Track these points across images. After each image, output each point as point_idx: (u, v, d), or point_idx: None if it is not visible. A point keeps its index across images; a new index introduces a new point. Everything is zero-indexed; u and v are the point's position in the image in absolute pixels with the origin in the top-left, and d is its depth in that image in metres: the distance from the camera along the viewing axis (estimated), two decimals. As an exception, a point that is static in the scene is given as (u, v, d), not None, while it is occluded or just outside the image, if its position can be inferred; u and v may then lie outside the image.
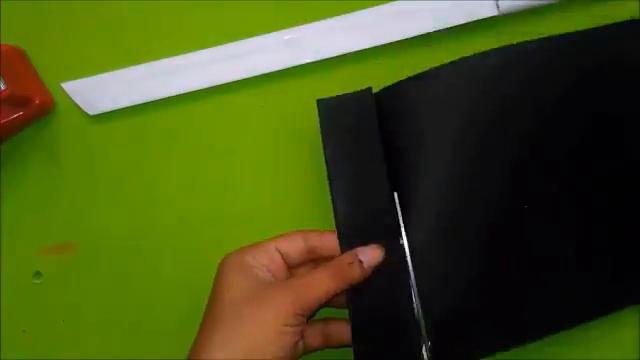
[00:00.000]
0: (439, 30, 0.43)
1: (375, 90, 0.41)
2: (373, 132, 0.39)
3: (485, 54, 0.41)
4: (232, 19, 0.45)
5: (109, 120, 0.46)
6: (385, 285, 0.38)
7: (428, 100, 0.41)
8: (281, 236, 0.39)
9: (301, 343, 0.39)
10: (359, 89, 0.40)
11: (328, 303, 0.39)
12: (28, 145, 0.46)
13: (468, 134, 0.41)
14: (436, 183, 0.40)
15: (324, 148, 0.40)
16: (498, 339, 0.40)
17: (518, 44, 0.41)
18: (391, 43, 0.44)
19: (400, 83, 0.41)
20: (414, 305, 0.38)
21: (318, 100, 0.40)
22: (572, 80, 0.41)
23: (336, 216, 0.39)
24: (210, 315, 0.37)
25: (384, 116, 0.41)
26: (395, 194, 0.39)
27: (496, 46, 0.43)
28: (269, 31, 0.44)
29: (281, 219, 0.44)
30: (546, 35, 0.43)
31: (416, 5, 0.43)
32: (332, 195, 0.39)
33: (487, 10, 0.43)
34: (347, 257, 0.38)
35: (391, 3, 0.43)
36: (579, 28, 0.43)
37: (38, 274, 0.46)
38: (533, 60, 0.41)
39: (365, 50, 0.44)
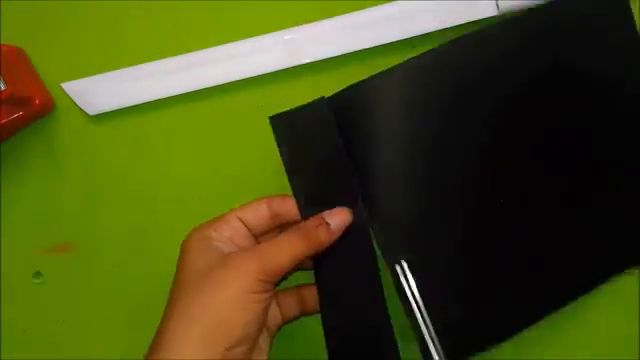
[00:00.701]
0: (439, 30, 0.43)
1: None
2: (331, 136, 0.38)
3: (441, 46, 0.40)
4: (232, 19, 0.45)
5: (109, 120, 0.46)
6: (352, 259, 0.37)
7: (384, 98, 0.40)
8: (244, 205, 0.38)
9: (278, 313, 0.38)
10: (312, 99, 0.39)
11: (297, 267, 0.37)
12: (28, 145, 0.46)
13: (429, 128, 0.40)
14: (403, 184, 0.39)
15: (281, 157, 0.39)
16: (490, 327, 0.40)
17: (472, 32, 0.40)
18: (391, 43, 0.44)
19: (354, 86, 0.40)
20: (380, 284, 0.37)
21: (270, 117, 0.39)
22: (536, 60, 0.41)
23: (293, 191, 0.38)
24: (173, 289, 0.35)
25: (340, 120, 0.39)
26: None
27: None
28: (269, 31, 0.44)
29: (281, 219, 0.44)
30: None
31: (416, 5, 0.43)
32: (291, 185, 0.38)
33: (487, 10, 0.43)
34: (313, 220, 0.36)
35: (391, 3, 0.43)
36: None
37: (38, 274, 0.46)
38: (493, 46, 0.40)
39: (365, 50, 0.44)
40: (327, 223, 0.36)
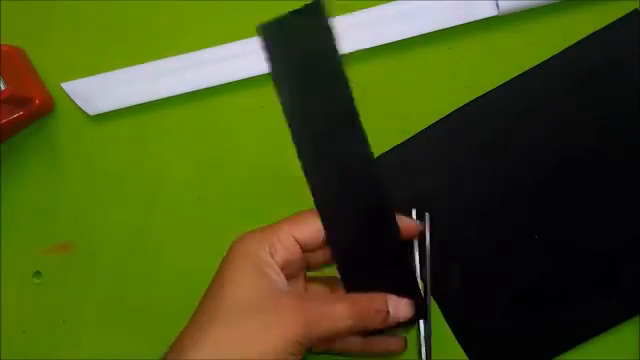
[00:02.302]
0: (439, 30, 0.43)
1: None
2: (330, 45, 0.34)
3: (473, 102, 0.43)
4: (232, 19, 0.45)
5: (109, 120, 0.46)
6: None
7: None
8: (298, 218, 0.35)
9: None
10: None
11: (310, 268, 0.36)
12: (28, 145, 0.46)
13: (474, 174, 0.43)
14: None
15: (274, 79, 0.35)
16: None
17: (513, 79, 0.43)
18: (391, 43, 0.44)
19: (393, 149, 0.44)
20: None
21: (258, 25, 0.34)
22: (576, 99, 0.43)
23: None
24: (206, 310, 0.33)
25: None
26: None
27: (496, 46, 0.44)
28: (269, 31, 0.44)
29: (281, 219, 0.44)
30: (546, 35, 0.43)
31: (416, 5, 0.43)
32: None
33: (487, 10, 0.43)
34: (376, 302, 0.33)
35: (391, 3, 0.43)
36: (579, 28, 0.43)
37: (38, 274, 0.46)
38: (529, 90, 0.43)
39: (365, 50, 0.44)
40: (388, 311, 0.33)
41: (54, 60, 0.46)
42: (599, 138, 0.42)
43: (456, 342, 0.43)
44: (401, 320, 0.34)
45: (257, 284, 0.33)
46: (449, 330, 0.43)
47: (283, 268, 0.34)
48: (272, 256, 0.34)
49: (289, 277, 0.35)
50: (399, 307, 0.34)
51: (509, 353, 0.42)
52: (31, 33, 0.46)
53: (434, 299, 0.43)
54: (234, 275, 0.33)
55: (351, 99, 0.34)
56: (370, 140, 0.44)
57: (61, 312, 0.46)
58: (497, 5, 0.42)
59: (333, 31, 0.33)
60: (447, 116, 0.43)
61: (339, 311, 0.32)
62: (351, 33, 0.44)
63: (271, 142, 0.45)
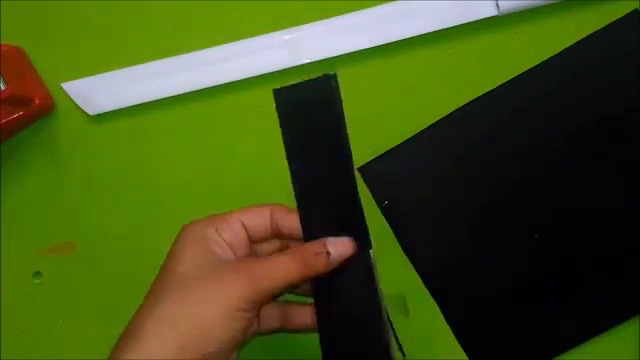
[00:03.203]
0: (439, 30, 0.43)
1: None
2: (336, 115, 0.36)
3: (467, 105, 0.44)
4: (232, 19, 0.45)
5: (109, 120, 0.46)
6: (352, 286, 0.35)
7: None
8: (248, 208, 0.36)
9: (255, 325, 0.36)
10: (319, 75, 0.36)
11: (288, 292, 0.36)
12: (28, 145, 0.46)
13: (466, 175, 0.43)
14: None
15: (282, 134, 0.36)
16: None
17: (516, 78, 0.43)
18: (391, 43, 0.44)
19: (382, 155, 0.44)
20: (382, 310, 0.35)
21: (274, 90, 0.36)
22: (575, 97, 0.43)
23: (297, 201, 0.36)
24: (156, 287, 0.34)
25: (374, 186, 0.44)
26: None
27: (496, 46, 0.44)
28: (269, 31, 0.44)
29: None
30: (546, 35, 0.43)
31: (416, 5, 0.43)
32: (292, 180, 0.36)
33: (487, 10, 0.43)
34: (314, 246, 0.35)
35: (391, 3, 0.43)
36: (579, 28, 0.43)
37: (38, 274, 0.46)
38: (532, 86, 0.43)
39: (365, 50, 0.44)
40: (328, 252, 0.34)
41: (54, 60, 0.46)
42: (599, 137, 0.43)
43: (456, 342, 0.43)
44: (343, 257, 0.35)
45: (201, 257, 0.34)
46: (449, 330, 0.43)
47: (230, 247, 0.35)
48: (218, 234, 0.35)
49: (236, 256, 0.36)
50: (338, 246, 0.35)
51: (509, 353, 0.42)
52: (31, 33, 0.46)
53: (434, 299, 0.43)
54: (179, 252, 0.34)
55: (351, 173, 0.36)
56: (370, 141, 0.44)
57: (61, 312, 0.46)
58: (497, 5, 0.42)
59: (341, 105, 0.36)
60: (447, 116, 0.43)
61: (280, 261, 0.34)
62: (351, 33, 0.44)
63: (271, 142, 0.45)
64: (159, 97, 0.45)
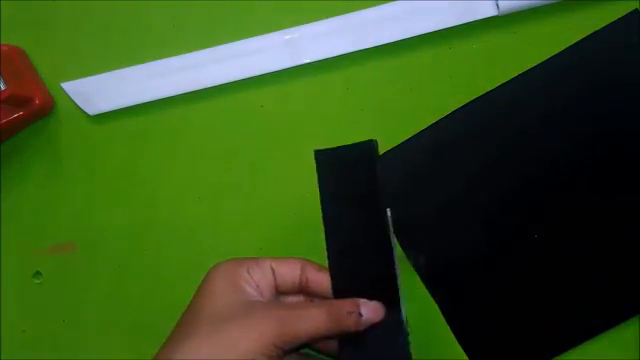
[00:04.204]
0: (439, 30, 0.43)
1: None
2: (374, 183, 0.36)
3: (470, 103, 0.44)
4: (232, 19, 0.45)
5: (109, 120, 0.46)
6: (378, 349, 0.35)
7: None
8: (280, 257, 0.37)
9: None
10: (361, 141, 0.37)
11: (311, 344, 0.36)
12: (28, 145, 0.46)
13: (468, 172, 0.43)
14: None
15: (321, 198, 0.37)
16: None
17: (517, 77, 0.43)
18: (391, 43, 0.44)
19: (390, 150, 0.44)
20: None
21: (316, 150, 0.37)
22: (575, 99, 0.43)
23: (330, 258, 0.36)
24: (185, 322, 0.34)
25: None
26: (395, 257, 0.36)
27: (496, 46, 0.44)
28: (269, 31, 0.44)
29: (280, 219, 0.44)
30: (546, 35, 0.43)
31: (416, 5, 0.43)
32: (327, 246, 0.36)
33: (487, 10, 0.43)
34: (348, 304, 0.34)
35: (391, 3, 0.43)
36: (579, 28, 0.43)
37: (38, 274, 0.46)
38: (533, 88, 0.43)
39: (365, 50, 0.44)
40: (360, 314, 0.34)
41: (54, 60, 0.46)
42: (599, 137, 0.43)
43: (456, 342, 0.43)
44: (373, 320, 0.35)
45: (232, 296, 0.34)
46: (449, 330, 0.43)
47: (258, 289, 0.35)
48: (249, 275, 0.35)
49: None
50: (370, 309, 0.35)
51: (509, 353, 0.42)
52: (31, 33, 0.46)
53: (434, 299, 0.43)
54: (211, 289, 0.35)
55: (388, 238, 0.35)
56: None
57: (61, 312, 0.46)
58: (497, 5, 0.42)
59: (378, 171, 0.36)
60: (447, 116, 0.43)
61: (311, 312, 0.34)
62: (351, 33, 0.44)
63: (271, 142, 0.45)
64: (159, 97, 0.45)
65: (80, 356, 0.45)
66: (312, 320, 0.33)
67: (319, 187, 0.36)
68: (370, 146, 0.36)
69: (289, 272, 0.36)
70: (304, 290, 0.37)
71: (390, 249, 0.35)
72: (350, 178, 0.36)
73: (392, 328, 0.35)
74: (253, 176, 0.45)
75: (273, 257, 0.37)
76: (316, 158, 0.36)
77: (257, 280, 0.35)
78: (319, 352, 0.38)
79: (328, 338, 0.35)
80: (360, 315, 0.34)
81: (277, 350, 0.32)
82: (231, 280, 0.35)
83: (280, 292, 0.37)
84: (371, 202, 0.36)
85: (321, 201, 0.36)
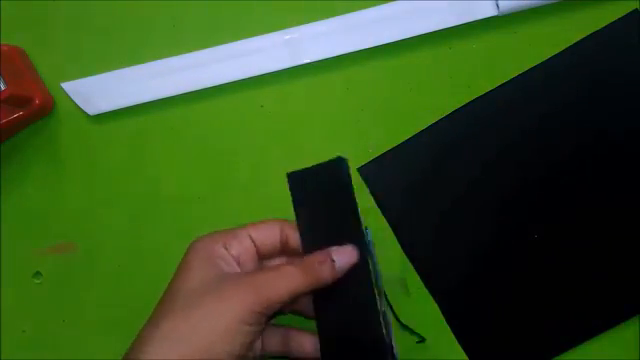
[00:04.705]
0: (439, 30, 0.43)
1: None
2: (347, 199, 0.36)
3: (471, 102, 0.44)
4: (232, 19, 0.45)
5: (109, 120, 0.46)
6: (354, 299, 0.35)
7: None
8: (257, 223, 0.36)
9: (259, 345, 0.36)
10: (329, 159, 0.36)
11: (293, 307, 0.36)
12: (28, 145, 0.46)
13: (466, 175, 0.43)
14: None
15: (296, 219, 0.36)
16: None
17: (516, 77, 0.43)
18: (391, 43, 0.44)
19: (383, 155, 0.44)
20: (381, 322, 0.35)
21: (288, 173, 0.37)
22: (575, 99, 0.43)
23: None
24: (165, 301, 0.34)
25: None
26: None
27: (496, 46, 0.44)
28: (269, 31, 0.44)
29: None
30: (546, 35, 0.43)
31: (416, 5, 0.43)
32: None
33: (487, 10, 0.43)
34: (319, 255, 0.34)
35: (391, 3, 0.43)
36: (579, 28, 0.43)
37: (38, 274, 0.46)
38: (532, 90, 0.43)
39: (365, 50, 0.44)
40: (332, 260, 0.34)
41: (54, 60, 0.46)
42: (599, 137, 0.43)
43: (456, 342, 0.43)
44: (348, 265, 0.34)
45: (206, 272, 0.34)
46: (449, 330, 0.43)
47: (237, 262, 0.35)
48: (226, 250, 0.35)
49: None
50: (342, 254, 0.34)
51: (509, 353, 0.42)
52: (31, 33, 0.46)
53: (434, 299, 0.43)
54: (185, 269, 0.34)
55: (365, 255, 0.35)
56: (370, 140, 0.44)
57: (61, 312, 0.46)
58: (497, 5, 0.42)
59: (351, 186, 0.36)
60: (447, 116, 0.43)
61: (284, 271, 0.33)
62: (351, 33, 0.44)
63: (271, 142, 0.45)
64: (159, 97, 0.45)
65: (80, 356, 0.45)
66: (286, 279, 0.33)
67: (294, 208, 0.36)
68: (340, 162, 0.36)
69: (269, 236, 0.36)
70: (285, 250, 0.37)
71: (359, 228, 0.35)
72: (324, 198, 0.36)
73: (361, 273, 0.35)
74: (253, 176, 0.45)
75: (250, 224, 0.36)
76: (288, 179, 0.36)
77: (236, 254, 0.35)
78: (303, 315, 0.38)
79: (308, 294, 0.34)
80: (333, 262, 0.34)
81: (258, 316, 0.32)
82: (206, 257, 0.34)
83: (263, 257, 0.36)
84: (345, 215, 0.35)
85: (297, 221, 0.36)
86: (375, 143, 0.44)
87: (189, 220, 0.45)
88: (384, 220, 0.44)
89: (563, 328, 0.42)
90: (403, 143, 0.44)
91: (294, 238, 0.36)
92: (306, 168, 0.36)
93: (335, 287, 0.34)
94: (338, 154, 0.36)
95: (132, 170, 0.46)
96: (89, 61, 0.46)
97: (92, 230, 0.46)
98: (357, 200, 0.36)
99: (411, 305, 0.43)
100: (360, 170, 0.44)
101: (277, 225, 0.36)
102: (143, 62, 0.45)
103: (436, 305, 0.43)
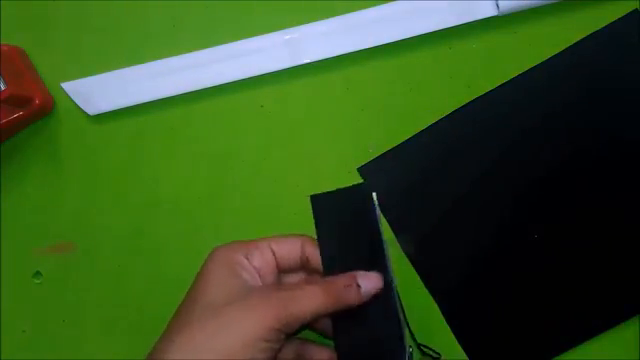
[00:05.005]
0: (439, 30, 0.43)
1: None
2: (371, 228, 0.36)
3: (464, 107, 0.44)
4: (232, 19, 0.45)
5: (109, 120, 0.46)
6: (375, 323, 0.35)
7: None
8: (279, 237, 0.36)
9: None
10: (354, 184, 0.37)
11: (312, 325, 0.36)
12: (28, 145, 0.46)
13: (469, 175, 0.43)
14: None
15: (318, 241, 0.36)
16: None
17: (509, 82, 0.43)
18: (391, 43, 0.44)
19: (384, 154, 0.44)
20: (404, 346, 0.34)
21: (311, 196, 0.36)
22: (575, 99, 0.43)
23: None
24: (182, 311, 0.33)
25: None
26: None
27: (496, 46, 0.44)
28: (269, 31, 0.44)
29: (280, 219, 0.44)
30: (546, 35, 0.43)
31: (416, 5, 0.43)
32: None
33: (487, 10, 0.43)
34: (345, 278, 0.34)
35: (391, 3, 0.43)
36: (579, 28, 0.43)
37: (38, 274, 0.46)
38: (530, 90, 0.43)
39: (365, 50, 0.44)
40: (358, 285, 0.33)
41: (54, 60, 0.46)
42: (599, 137, 0.43)
43: (456, 342, 0.43)
44: (373, 290, 0.34)
45: (232, 284, 0.33)
46: (449, 330, 0.43)
47: (258, 274, 0.35)
48: (248, 260, 0.34)
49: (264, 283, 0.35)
50: (368, 280, 0.34)
51: (509, 353, 0.42)
52: (31, 33, 0.46)
53: (434, 299, 0.43)
54: (208, 277, 0.34)
55: (390, 282, 0.35)
56: (370, 140, 0.44)
57: (61, 312, 0.46)
58: (497, 5, 0.42)
59: (375, 212, 0.36)
60: (447, 116, 0.43)
61: (309, 291, 0.33)
62: (351, 33, 0.44)
63: (271, 142, 0.45)
64: (159, 97, 0.45)
65: (80, 356, 0.45)
66: (311, 299, 0.32)
67: (317, 231, 0.36)
68: (362, 189, 0.36)
69: (290, 251, 0.36)
70: (305, 266, 0.36)
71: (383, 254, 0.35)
72: (348, 223, 0.36)
73: (385, 300, 0.35)
74: (253, 176, 0.45)
75: (272, 237, 0.36)
76: (312, 203, 0.36)
77: (257, 265, 0.35)
78: (320, 334, 0.38)
79: (329, 316, 0.34)
80: (358, 287, 0.33)
81: (278, 334, 0.32)
82: (227, 266, 0.34)
83: (282, 271, 0.36)
84: (371, 241, 0.35)
85: (319, 244, 0.36)
86: (375, 143, 0.44)
87: (189, 220, 0.45)
88: (384, 220, 0.44)
89: (563, 328, 0.42)
90: (403, 143, 0.44)
91: (315, 256, 0.36)
92: (331, 192, 0.36)
93: (357, 311, 0.34)
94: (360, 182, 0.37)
95: (132, 170, 0.46)
96: (89, 61, 0.46)
97: (92, 230, 0.46)
98: (381, 227, 0.36)
99: (410, 304, 0.43)
100: (360, 170, 0.44)
101: (299, 241, 0.36)
102: (143, 62, 0.45)
103: (436, 305, 0.43)
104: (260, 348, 0.31)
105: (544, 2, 0.43)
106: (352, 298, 0.33)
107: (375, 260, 0.35)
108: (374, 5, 0.43)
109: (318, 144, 0.45)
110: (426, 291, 0.43)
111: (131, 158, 0.46)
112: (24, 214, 0.46)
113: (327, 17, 0.44)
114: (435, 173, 0.44)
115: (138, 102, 0.45)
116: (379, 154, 0.44)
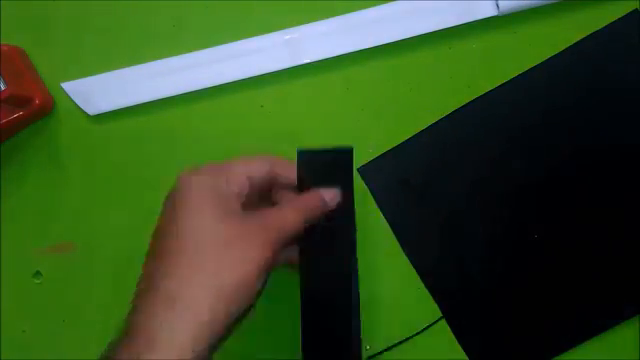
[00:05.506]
0: (439, 30, 0.43)
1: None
2: (346, 185, 0.37)
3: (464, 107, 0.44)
4: (232, 19, 0.45)
5: (109, 120, 0.46)
6: (333, 255, 0.37)
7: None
8: (248, 159, 0.35)
9: None
10: (340, 146, 0.37)
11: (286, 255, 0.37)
12: (28, 145, 0.46)
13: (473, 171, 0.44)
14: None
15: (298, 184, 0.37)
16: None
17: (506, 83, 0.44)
18: (391, 43, 0.44)
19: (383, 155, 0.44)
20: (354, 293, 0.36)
21: (298, 150, 0.37)
22: (576, 97, 0.43)
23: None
24: (173, 244, 0.32)
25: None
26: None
27: (496, 46, 0.44)
28: (269, 31, 0.44)
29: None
30: (546, 35, 0.43)
31: (416, 5, 0.43)
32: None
33: (487, 10, 0.43)
34: (314, 194, 0.35)
35: (391, 3, 0.43)
36: (579, 28, 0.43)
37: (38, 274, 0.46)
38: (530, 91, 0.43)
39: (365, 50, 0.44)
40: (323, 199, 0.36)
41: (54, 60, 0.46)
42: (599, 137, 0.43)
43: (456, 342, 0.43)
44: (333, 202, 0.36)
45: (216, 213, 0.31)
46: (449, 330, 0.43)
47: (239, 201, 0.34)
48: (230, 188, 0.33)
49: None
50: (329, 194, 0.36)
51: (509, 353, 0.42)
52: (31, 33, 0.46)
53: (434, 299, 0.43)
54: (190, 208, 0.32)
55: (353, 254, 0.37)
56: (370, 140, 0.44)
57: (61, 312, 0.46)
58: (497, 5, 0.42)
59: (352, 174, 0.37)
60: (447, 116, 0.43)
61: (289, 214, 0.34)
62: (351, 33, 0.44)
63: (271, 142, 0.45)
64: (159, 97, 0.45)
65: (80, 356, 0.45)
66: (291, 219, 0.33)
67: (297, 181, 0.37)
68: (348, 152, 0.37)
69: (261, 171, 0.35)
70: (272, 182, 0.36)
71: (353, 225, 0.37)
72: (328, 178, 0.37)
73: (345, 244, 0.36)
74: (253, 176, 0.45)
75: (241, 160, 0.35)
76: (298, 157, 0.37)
77: (237, 192, 0.33)
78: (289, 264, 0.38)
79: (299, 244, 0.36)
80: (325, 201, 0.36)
81: (275, 259, 0.32)
82: (213, 196, 0.32)
83: (252, 191, 0.35)
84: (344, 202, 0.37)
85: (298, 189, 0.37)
86: (375, 143, 0.44)
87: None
88: (384, 220, 0.44)
89: (563, 328, 0.42)
90: (403, 143, 0.44)
91: (282, 175, 0.36)
92: (316, 149, 0.37)
93: (322, 246, 0.36)
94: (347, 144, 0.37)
95: (132, 170, 0.46)
96: (89, 61, 0.46)
97: (91, 230, 0.46)
98: (355, 194, 0.37)
99: (410, 303, 0.43)
100: (360, 170, 0.44)
101: (269, 161, 0.35)
102: (143, 62, 0.45)
103: (436, 305, 0.43)
104: (260, 277, 0.31)
105: (544, 2, 0.43)
106: (321, 211, 0.35)
107: (345, 209, 0.37)
108: (374, 5, 0.44)
109: (318, 144, 0.45)
110: (426, 291, 0.43)
111: (131, 158, 0.46)
112: (24, 214, 0.46)
113: (327, 17, 0.44)
114: (435, 173, 0.44)
115: (138, 102, 0.45)
116: (379, 154, 0.44)
